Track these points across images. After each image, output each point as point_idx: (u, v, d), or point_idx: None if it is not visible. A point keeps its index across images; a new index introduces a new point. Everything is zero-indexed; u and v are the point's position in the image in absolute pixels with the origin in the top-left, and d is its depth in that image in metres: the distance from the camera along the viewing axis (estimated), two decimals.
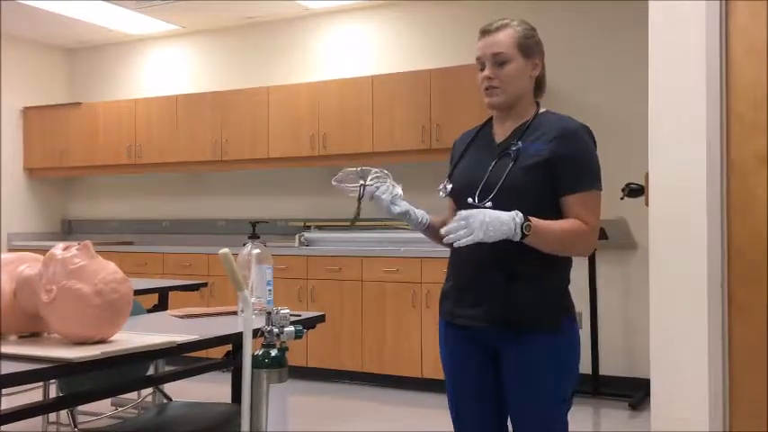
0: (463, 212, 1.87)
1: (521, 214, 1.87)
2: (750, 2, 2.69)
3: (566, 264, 2.09)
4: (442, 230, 1.90)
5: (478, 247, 1.91)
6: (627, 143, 4.60)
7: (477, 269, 2.05)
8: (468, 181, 2.09)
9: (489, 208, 1.91)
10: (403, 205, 2.12)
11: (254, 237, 2.65)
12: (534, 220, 1.90)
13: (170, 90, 6.83)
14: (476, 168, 2.09)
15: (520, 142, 2.04)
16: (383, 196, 2.09)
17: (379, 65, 6.01)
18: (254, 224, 2.73)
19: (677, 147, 2.76)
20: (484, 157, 2.10)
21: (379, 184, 2.10)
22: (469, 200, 2.00)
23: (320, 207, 6.21)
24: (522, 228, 1.86)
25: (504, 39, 2.05)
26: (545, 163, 1.99)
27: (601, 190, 2.05)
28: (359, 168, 2.11)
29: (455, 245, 1.86)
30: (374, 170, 2.11)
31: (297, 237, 5.98)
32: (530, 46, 2.08)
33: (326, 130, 5.80)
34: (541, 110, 2.13)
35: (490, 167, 2.05)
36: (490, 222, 1.84)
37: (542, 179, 1.99)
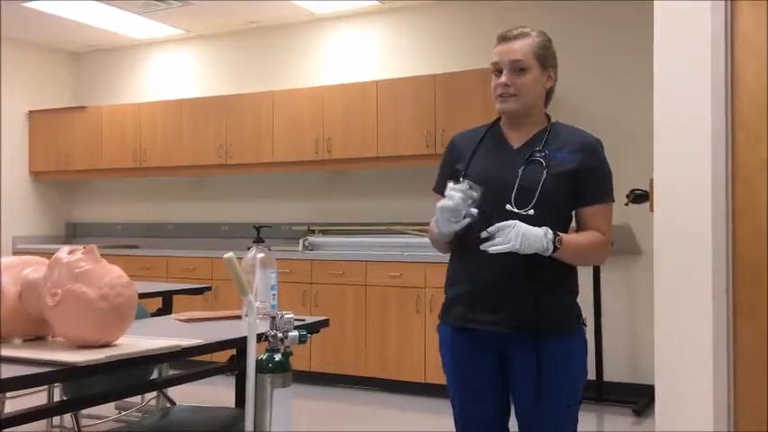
0: (501, 223, 1.93)
1: (550, 230, 1.94)
2: (755, 5, 2.69)
3: (577, 270, 2.15)
4: (483, 234, 1.93)
5: (501, 254, 1.93)
6: (631, 149, 4.58)
7: (497, 275, 2.05)
8: (490, 183, 2.03)
9: (531, 216, 1.97)
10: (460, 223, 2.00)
11: (258, 241, 2.65)
12: (563, 235, 1.97)
13: (175, 94, 6.85)
14: (499, 171, 2.09)
15: (546, 150, 2.06)
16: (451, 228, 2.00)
17: (384, 70, 6.02)
18: (258, 228, 2.72)
19: (682, 152, 2.75)
20: (504, 160, 2.11)
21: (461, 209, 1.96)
22: (508, 206, 2.00)
23: (324, 211, 6.21)
24: (554, 242, 1.93)
25: (524, 47, 2.07)
26: (572, 173, 2.04)
27: (614, 201, 2.13)
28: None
29: (490, 251, 1.92)
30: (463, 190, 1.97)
31: (301, 241, 5.98)
32: (546, 57, 2.11)
33: (331, 134, 5.81)
34: (552, 119, 2.18)
35: (520, 172, 2.05)
36: (527, 233, 1.91)
37: (569, 188, 2.05)
